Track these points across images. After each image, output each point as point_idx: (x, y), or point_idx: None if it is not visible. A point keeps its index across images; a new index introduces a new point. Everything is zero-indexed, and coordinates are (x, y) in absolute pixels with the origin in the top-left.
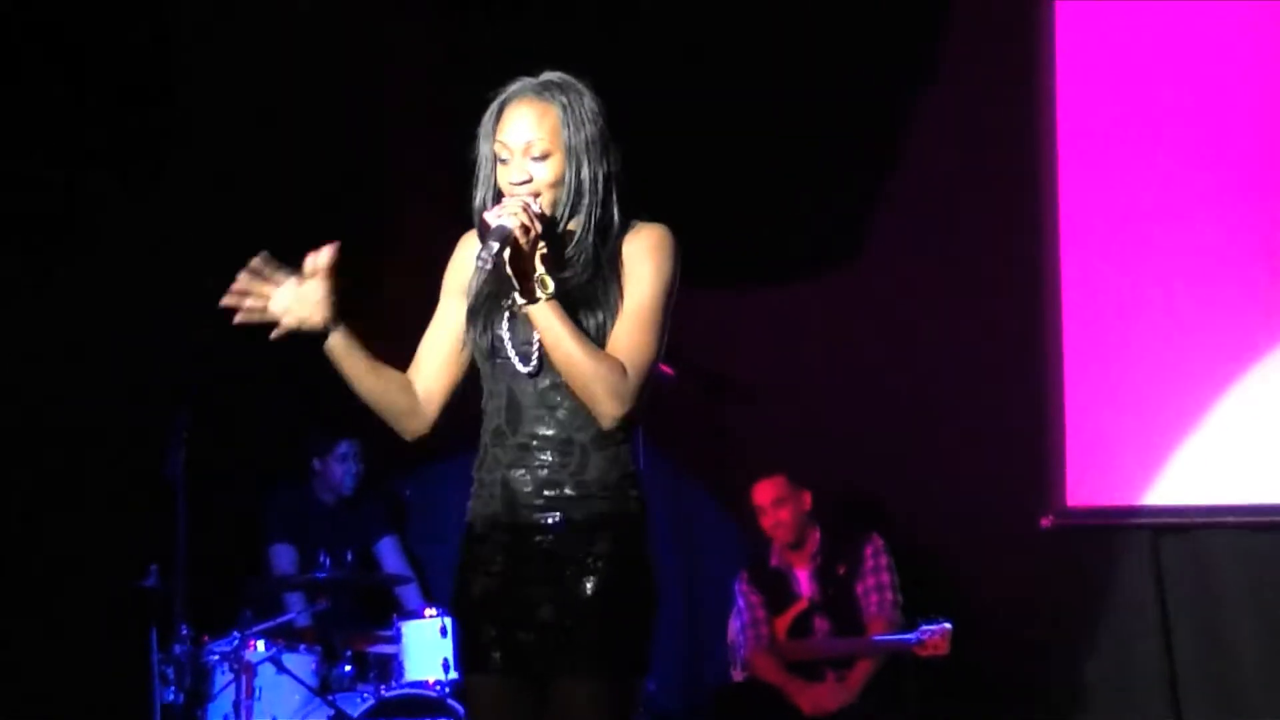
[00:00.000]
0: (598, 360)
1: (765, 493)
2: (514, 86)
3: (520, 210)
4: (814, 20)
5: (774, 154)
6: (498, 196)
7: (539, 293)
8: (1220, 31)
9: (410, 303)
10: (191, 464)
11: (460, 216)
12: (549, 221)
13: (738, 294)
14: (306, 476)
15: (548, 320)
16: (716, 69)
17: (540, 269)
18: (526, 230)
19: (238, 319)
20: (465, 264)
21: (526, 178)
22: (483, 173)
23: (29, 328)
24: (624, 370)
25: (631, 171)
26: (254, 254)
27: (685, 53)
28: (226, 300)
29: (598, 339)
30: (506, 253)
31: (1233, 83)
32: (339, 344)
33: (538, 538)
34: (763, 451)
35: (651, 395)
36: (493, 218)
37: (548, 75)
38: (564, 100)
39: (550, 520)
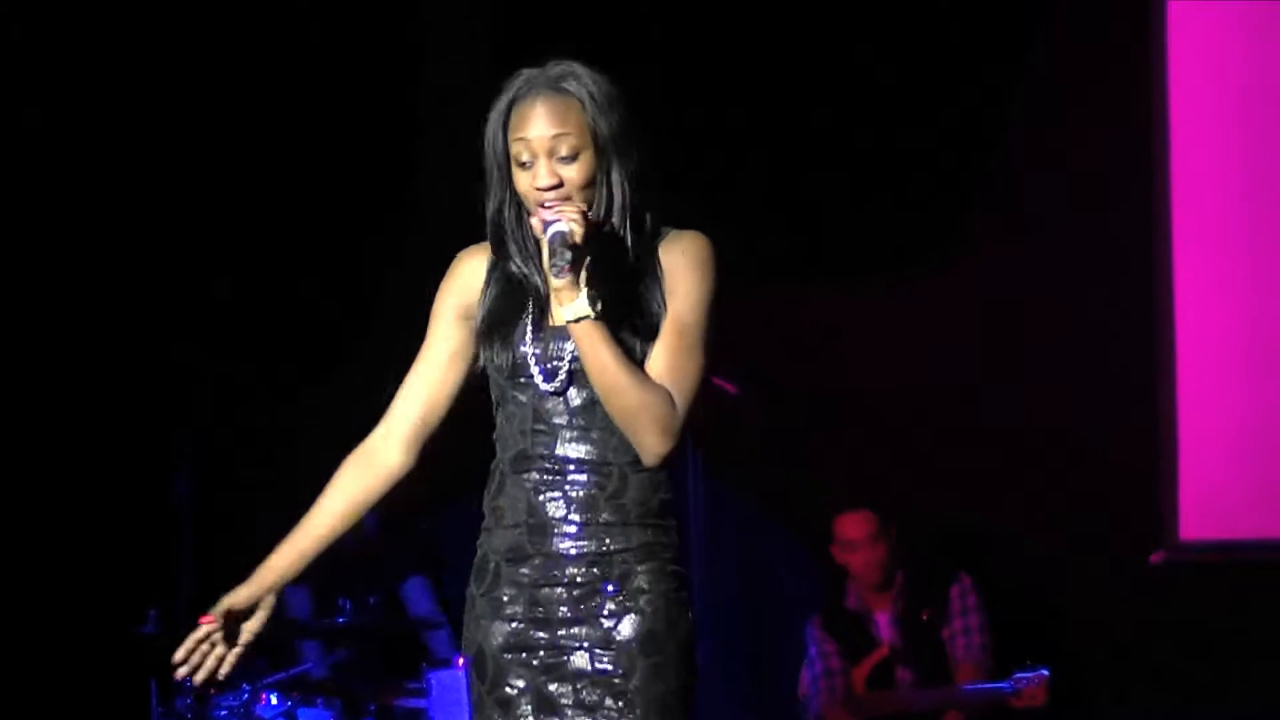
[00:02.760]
0: (645, 388)
1: (858, 527)
2: (520, 80)
3: (580, 216)
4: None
5: (860, 146)
6: (515, 204)
7: (588, 310)
8: None
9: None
10: (196, 499)
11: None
12: (597, 230)
13: (813, 301)
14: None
15: (593, 343)
16: (801, 53)
17: (585, 284)
18: (587, 238)
19: (198, 678)
20: (466, 283)
21: (556, 181)
22: (496, 178)
23: (20, 347)
24: (671, 400)
25: (666, 165)
26: (265, 246)
27: (767, 35)
28: (181, 672)
29: (637, 359)
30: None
31: None
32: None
33: (570, 570)
34: (839, 479)
35: (705, 418)
36: (540, 224)
37: (558, 65)
38: (585, 90)
39: (584, 549)
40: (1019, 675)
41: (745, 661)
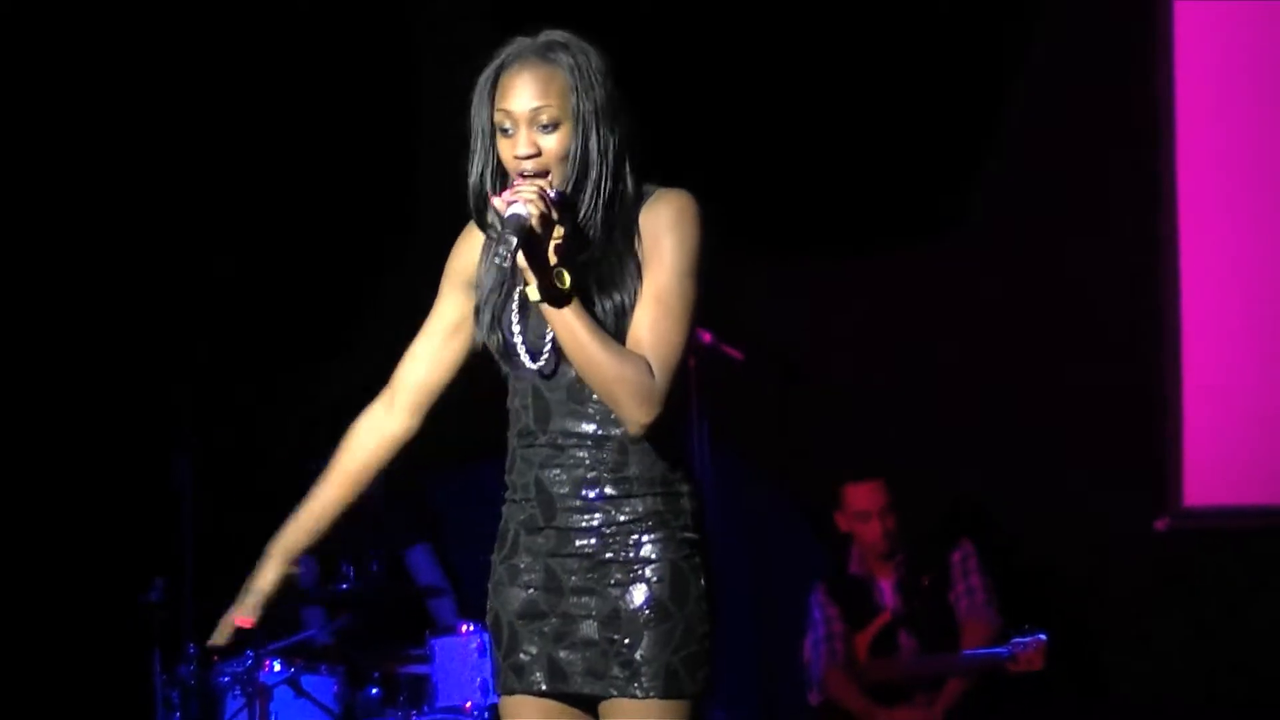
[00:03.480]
0: (621, 361)
1: (872, 498)
2: (511, 48)
3: (536, 197)
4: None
5: (866, 111)
6: (498, 172)
7: (557, 287)
8: None
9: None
10: (200, 465)
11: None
12: (563, 203)
13: (819, 267)
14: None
15: (564, 320)
16: (803, 36)
17: (555, 261)
18: (544, 220)
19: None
20: (470, 255)
21: (534, 150)
22: (480, 146)
23: (29, 331)
24: (649, 369)
25: (651, 134)
26: (266, 236)
27: (768, 20)
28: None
29: (617, 325)
30: (521, 247)
31: None
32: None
33: (579, 543)
34: (846, 448)
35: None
36: (503, 204)
37: (549, 34)
38: (571, 62)
39: (592, 522)
40: (1017, 640)
41: (749, 628)
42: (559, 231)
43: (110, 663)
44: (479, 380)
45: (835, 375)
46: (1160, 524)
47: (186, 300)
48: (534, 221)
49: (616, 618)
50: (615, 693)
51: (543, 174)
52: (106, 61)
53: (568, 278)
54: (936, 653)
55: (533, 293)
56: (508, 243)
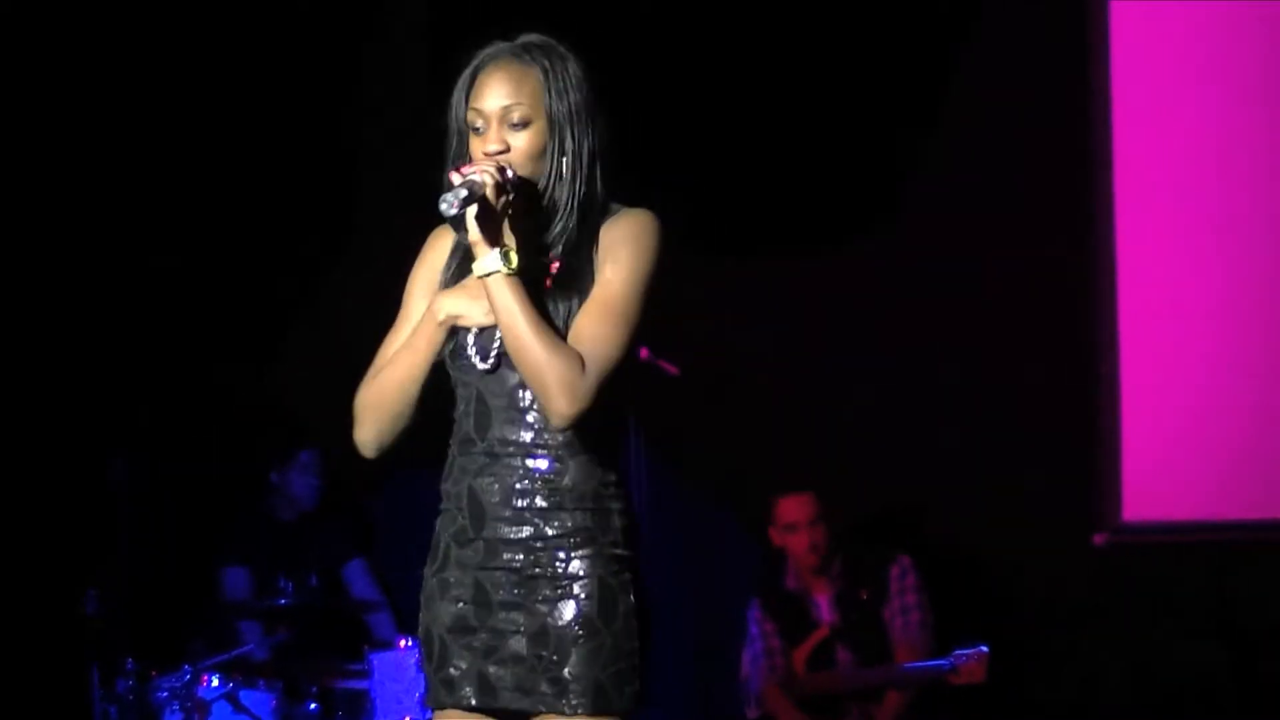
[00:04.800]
0: (552, 350)
1: (800, 509)
2: (488, 50)
3: (493, 169)
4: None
5: (794, 115)
6: (452, 163)
7: (500, 265)
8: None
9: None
10: (136, 477)
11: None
12: (531, 195)
13: (754, 280)
14: (262, 491)
15: (504, 298)
16: (738, 29)
17: (510, 242)
18: (499, 189)
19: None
20: (439, 259)
21: (503, 146)
22: (454, 145)
23: None
24: (581, 364)
25: (626, 145)
26: (207, 231)
27: (705, 11)
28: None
29: (566, 331)
30: (473, 209)
31: None
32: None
33: (507, 556)
34: (781, 460)
35: (639, 394)
36: (459, 176)
37: (527, 37)
38: (545, 64)
39: (520, 535)
40: (958, 652)
41: (685, 643)
42: (514, 213)
43: (47, 677)
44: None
45: (770, 387)
46: (1099, 539)
47: (122, 307)
48: (488, 190)
49: (545, 634)
50: (544, 709)
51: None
52: (54, 66)
53: (515, 259)
54: (874, 665)
55: (479, 265)
56: (456, 192)
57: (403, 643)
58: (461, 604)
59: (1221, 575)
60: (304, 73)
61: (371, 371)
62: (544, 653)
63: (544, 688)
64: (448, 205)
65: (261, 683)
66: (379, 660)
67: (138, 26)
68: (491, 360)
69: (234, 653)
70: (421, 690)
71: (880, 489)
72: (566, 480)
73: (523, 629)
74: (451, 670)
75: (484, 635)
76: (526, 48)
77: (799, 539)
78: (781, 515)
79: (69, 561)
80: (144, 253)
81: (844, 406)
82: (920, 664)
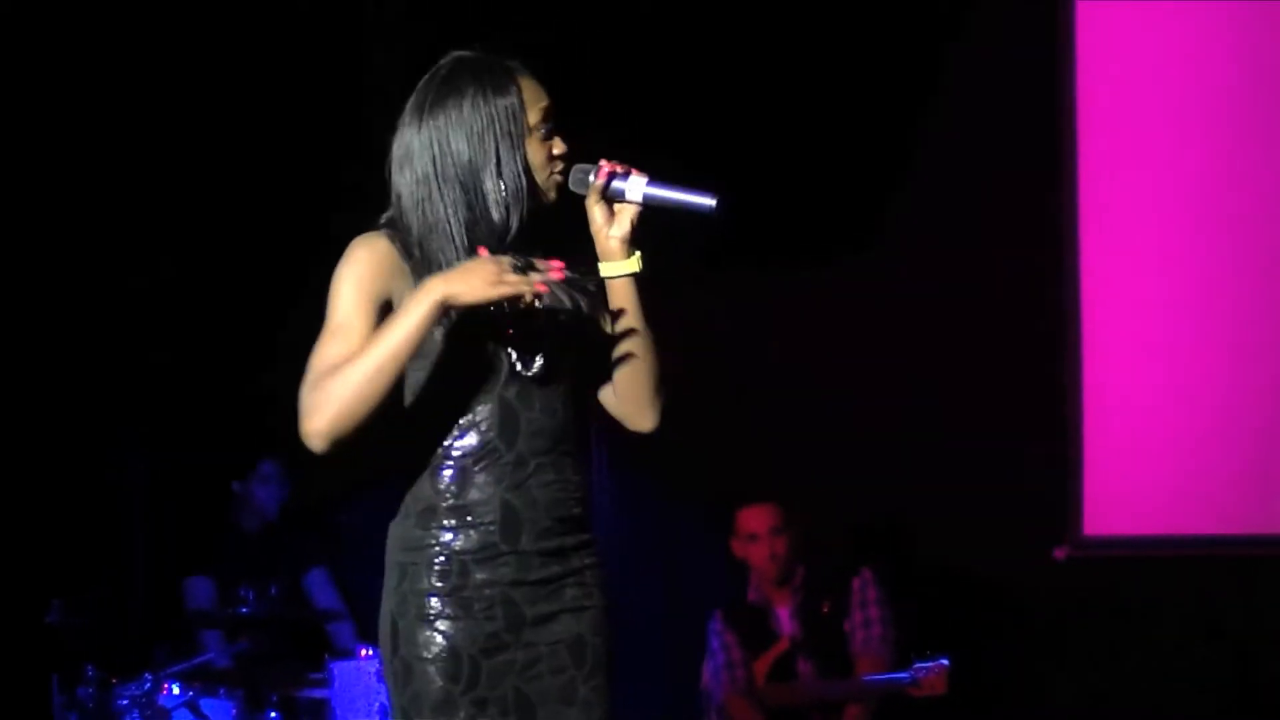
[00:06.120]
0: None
1: (761, 519)
2: (504, 59)
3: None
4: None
5: (766, 139)
6: (525, 173)
7: (637, 265)
8: (1243, 31)
9: None
10: (102, 487)
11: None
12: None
13: (722, 293)
14: (225, 501)
15: (638, 298)
16: (716, 50)
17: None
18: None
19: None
20: (388, 272)
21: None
22: (510, 132)
23: None
24: None
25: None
26: (205, 250)
27: (690, 33)
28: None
29: (600, 342)
30: (633, 208)
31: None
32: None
33: (540, 566)
34: (745, 473)
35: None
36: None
37: (498, 55)
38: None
39: (554, 545)
40: (919, 665)
41: (649, 655)
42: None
43: (7, 685)
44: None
45: (736, 399)
46: (1059, 553)
47: (90, 324)
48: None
49: (581, 644)
50: (578, 708)
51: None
52: (44, 75)
53: (638, 256)
54: (835, 678)
55: (620, 266)
56: (636, 182)
57: (364, 652)
58: (493, 622)
59: (1181, 589)
60: (287, 92)
61: (319, 371)
62: (583, 662)
63: (585, 695)
64: (636, 191)
65: (222, 691)
66: (340, 669)
67: (126, 30)
68: (538, 368)
69: (195, 661)
70: (381, 700)
71: (842, 502)
72: (581, 489)
73: (561, 640)
74: (486, 690)
75: (520, 652)
76: (523, 70)
77: (759, 549)
78: (743, 526)
79: (33, 571)
80: (117, 271)
81: (808, 419)
82: (881, 676)
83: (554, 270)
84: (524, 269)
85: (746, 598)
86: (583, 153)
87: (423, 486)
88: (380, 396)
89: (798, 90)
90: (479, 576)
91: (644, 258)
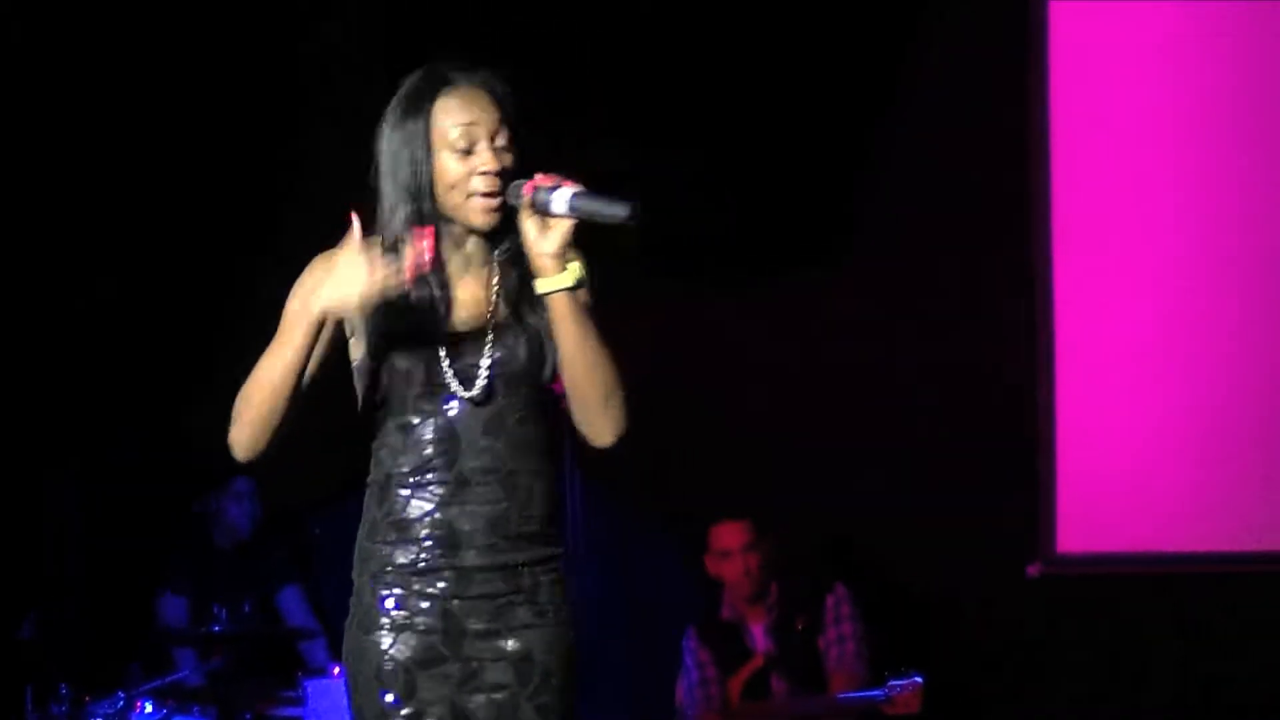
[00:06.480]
0: (617, 367)
1: (734, 536)
2: (443, 70)
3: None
4: (794, 13)
5: (732, 148)
6: (430, 192)
7: (574, 279)
8: (1217, 31)
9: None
10: (74, 502)
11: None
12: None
13: (692, 306)
14: (198, 519)
15: (580, 314)
16: (678, 51)
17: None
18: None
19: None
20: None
21: (500, 166)
22: (415, 157)
23: None
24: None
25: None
26: (147, 256)
27: (654, 43)
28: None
29: (543, 346)
30: (566, 223)
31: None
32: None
33: (484, 584)
34: (718, 489)
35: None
36: (547, 183)
37: (465, 66)
38: (506, 94)
39: (497, 562)
40: (893, 683)
41: (621, 673)
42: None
43: None
44: (341, 418)
45: (709, 415)
46: (1033, 569)
47: (62, 331)
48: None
49: (529, 660)
50: None
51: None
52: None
53: (582, 271)
54: (809, 695)
55: (552, 281)
56: (626, 207)
57: (337, 670)
58: (430, 635)
59: (1155, 607)
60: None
61: (247, 381)
62: (528, 680)
63: (527, 713)
64: (561, 203)
65: (196, 709)
66: (313, 687)
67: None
68: (479, 389)
69: (168, 679)
70: None
71: (816, 518)
72: (536, 508)
73: (505, 656)
74: (421, 704)
75: (457, 665)
76: (487, 79)
77: (733, 565)
78: (716, 542)
79: (6, 585)
80: (87, 276)
81: (781, 436)
82: (855, 694)
83: (420, 239)
84: (395, 251)
85: (720, 615)
86: (585, 154)
87: (371, 502)
88: (282, 412)
89: (759, 91)
90: (418, 589)
91: (592, 270)
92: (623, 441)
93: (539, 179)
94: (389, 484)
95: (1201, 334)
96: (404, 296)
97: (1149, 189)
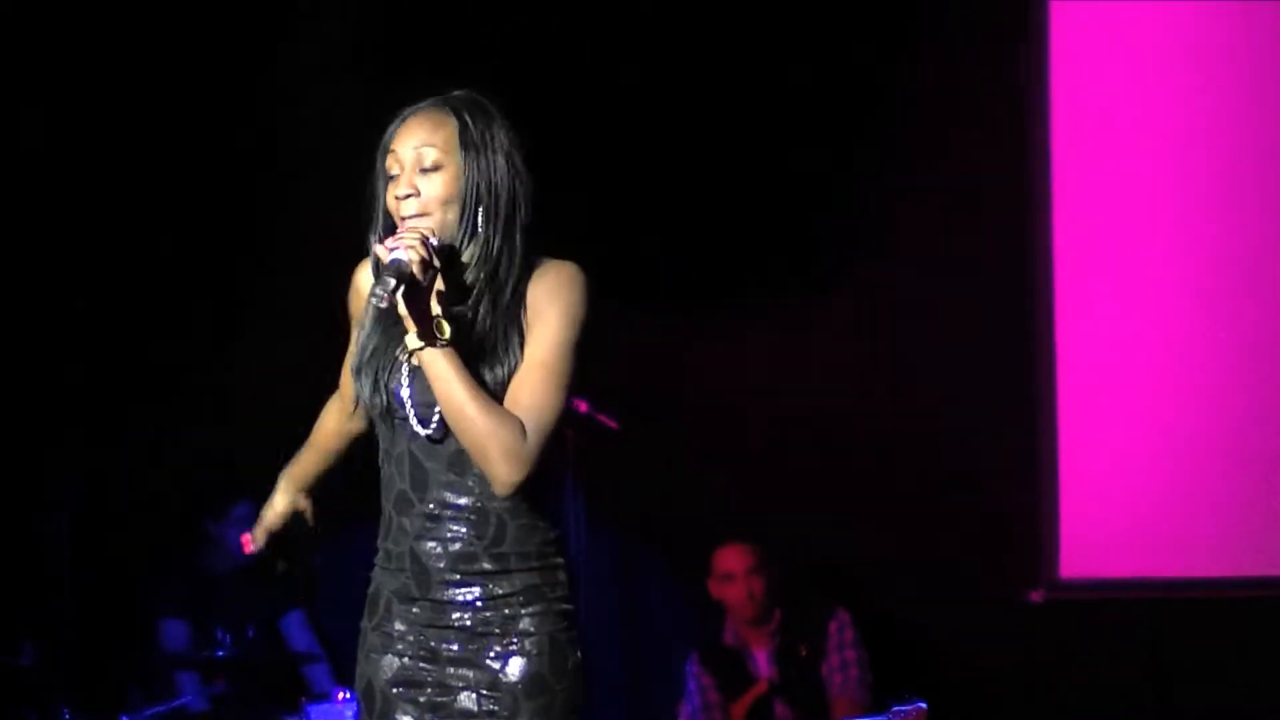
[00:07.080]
0: (493, 417)
1: (738, 559)
2: (419, 104)
3: (418, 243)
4: (794, 19)
5: (729, 163)
6: (385, 220)
7: (435, 337)
8: (1217, 31)
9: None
10: (74, 527)
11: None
12: (446, 252)
13: (692, 332)
14: (200, 543)
15: (442, 369)
16: (669, 67)
17: (437, 310)
18: (425, 265)
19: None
20: (364, 295)
21: (412, 191)
22: (376, 192)
23: None
24: (522, 430)
25: (549, 204)
26: (135, 277)
27: (643, 55)
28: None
29: (498, 392)
30: (401, 290)
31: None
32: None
33: (455, 616)
34: (721, 514)
35: (578, 451)
36: (385, 251)
37: (456, 92)
38: (465, 114)
39: (468, 596)
40: (896, 709)
41: (623, 699)
42: (440, 282)
43: None
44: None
45: (710, 441)
46: (1036, 595)
47: (59, 351)
48: (414, 267)
49: (496, 689)
50: None
51: (423, 217)
52: None
53: (447, 328)
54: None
55: (411, 340)
56: (385, 284)
57: (340, 695)
58: (406, 658)
59: (1157, 632)
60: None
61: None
62: (495, 708)
63: None
64: (377, 299)
65: None
66: (316, 712)
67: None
68: (434, 427)
69: (171, 704)
70: None
71: (818, 544)
72: (509, 542)
73: (473, 684)
74: None
75: (431, 690)
76: (449, 99)
77: (736, 589)
78: (719, 565)
79: (5, 612)
80: (77, 293)
81: (783, 461)
82: (859, 719)
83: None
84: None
85: (723, 639)
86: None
87: (379, 526)
88: (332, 464)
89: (760, 92)
90: (400, 612)
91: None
92: (522, 491)
93: (386, 243)
94: (383, 512)
95: (1207, 350)
96: (374, 331)
97: (1149, 189)
